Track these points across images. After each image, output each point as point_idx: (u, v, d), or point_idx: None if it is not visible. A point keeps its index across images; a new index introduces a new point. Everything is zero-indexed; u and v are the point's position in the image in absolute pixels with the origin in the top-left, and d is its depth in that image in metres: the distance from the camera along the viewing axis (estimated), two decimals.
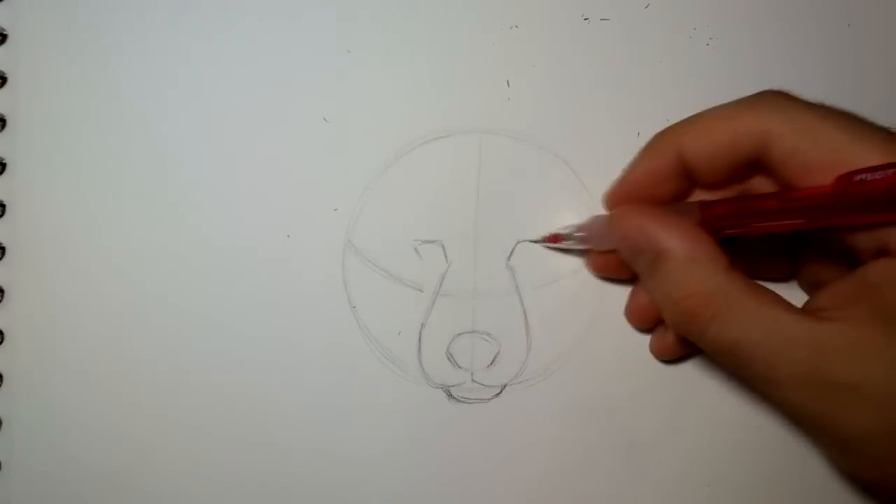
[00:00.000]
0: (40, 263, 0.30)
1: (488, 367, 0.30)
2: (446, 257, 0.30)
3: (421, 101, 0.30)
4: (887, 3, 0.31)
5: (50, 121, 0.30)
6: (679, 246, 0.24)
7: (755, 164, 0.25)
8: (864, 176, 0.21)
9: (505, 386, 0.30)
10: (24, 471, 0.30)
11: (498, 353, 0.30)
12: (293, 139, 0.30)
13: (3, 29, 0.30)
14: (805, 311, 0.23)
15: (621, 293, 0.30)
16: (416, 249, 0.30)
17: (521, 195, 0.30)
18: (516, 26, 0.30)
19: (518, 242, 0.30)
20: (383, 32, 0.30)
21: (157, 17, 0.30)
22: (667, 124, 0.27)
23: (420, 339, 0.30)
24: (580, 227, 0.29)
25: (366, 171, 0.30)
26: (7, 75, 0.30)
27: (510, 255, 0.30)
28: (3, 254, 0.30)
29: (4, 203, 0.30)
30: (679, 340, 0.29)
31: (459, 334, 0.30)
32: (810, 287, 0.29)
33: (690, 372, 0.30)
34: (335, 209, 0.30)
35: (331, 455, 0.30)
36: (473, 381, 0.30)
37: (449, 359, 0.30)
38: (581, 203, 0.30)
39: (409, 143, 0.30)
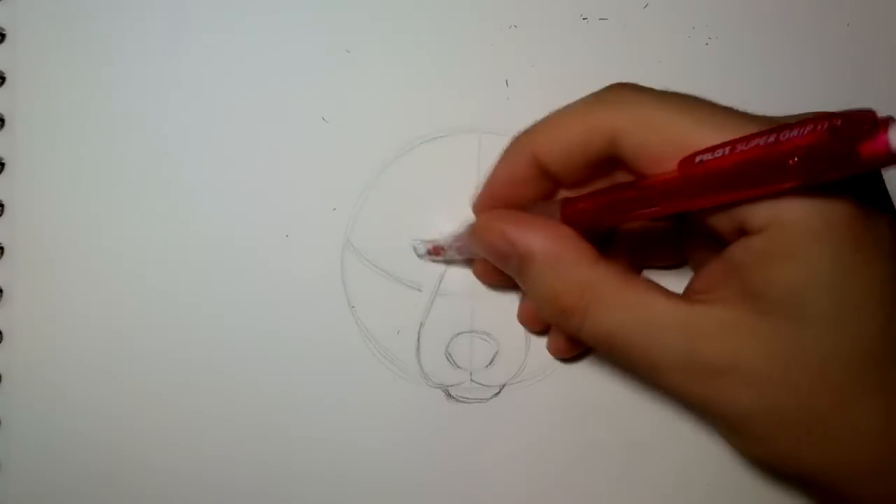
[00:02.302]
0: (39, 263, 0.30)
1: (487, 366, 0.30)
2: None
3: (420, 100, 0.30)
4: (887, 3, 0.31)
5: (49, 120, 0.30)
6: (542, 246, 0.24)
7: (612, 159, 0.24)
8: (703, 157, 0.21)
9: (504, 385, 0.30)
10: (22, 471, 0.30)
11: (497, 353, 0.30)
12: (292, 139, 0.30)
13: (3, 28, 0.30)
14: (680, 295, 0.23)
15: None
16: (414, 249, 0.30)
17: None
18: (515, 26, 0.30)
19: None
20: (382, 32, 0.30)
21: (156, 16, 0.30)
22: None
23: (419, 338, 0.30)
24: (456, 237, 0.28)
25: (365, 170, 0.30)
26: (6, 75, 0.30)
27: None
28: (2, 254, 0.30)
29: (3, 203, 0.30)
30: (569, 339, 0.29)
31: (458, 334, 0.30)
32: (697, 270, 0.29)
33: None
34: (334, 209, 0.30)
35: (329, 454, 0.30)
36: (472, 380, 0.30)
37: (448, 358, 0.30)
38: None
39: (408, 142, 0.30)
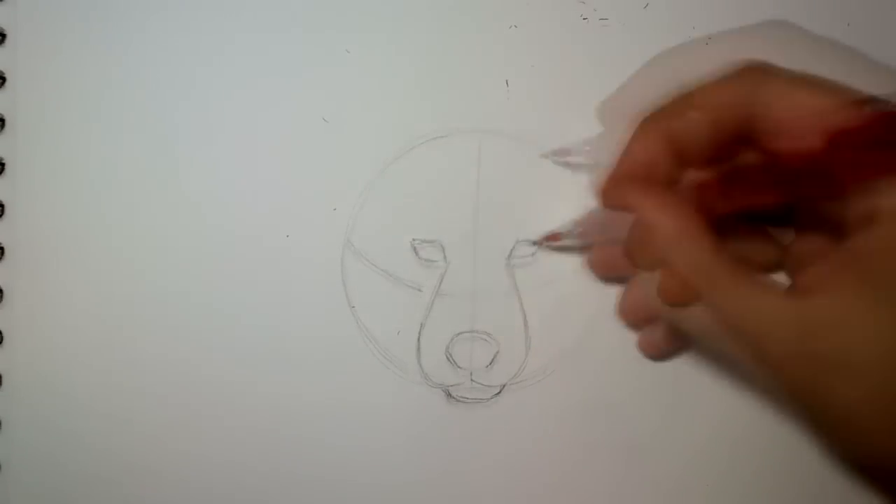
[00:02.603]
0: (40, 264, 0.30)
1: (487, 366, 0.30)
2: (445, 257, 0.30)
3: (420, 100, 0.30)
4: (887, 3, 0.31)
5: (49, 121, 0.30)
6: (668, 224, 0.24)
7: (742, 138, 0.25)
8: (849, 133, 0.21)
9: (504, 386, 0.30)
10: (23, 472, 0.30)
11: (497, 353, 0.30)
12: (292, 139, 0.30)
13: (3, 29, 0.30)
14: (791, 289, 0.24)
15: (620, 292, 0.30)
16: (415, 249, 0.30)
17: (521, 195, 0.30)
18: (515, 26, 0.30)
19: (517, 242, 0.30)
20: (382, 32, 0.30)
21: (156, 18, 0.30)
22: None
23: (419, 338, 0.30)
24: (577, 223, 0.29)
25: (365, 170, 0.30)
26: (6, 75, 0.30)
27: (509, 255, 0.30)
28: (3, 254, 0.30)
29: (4, 203, 0.30)
30: (667, 338, 0.29)
31: (459, 334, 0.30)
32: (795, 274, 0.29)
33: (690, 371, 0.30)
34: (334, 209, 0.30)
35: (330, 454, 0.30)
36: (473, 380, 0.30)
37: (448, 359, 0.30)
38: (581, 202, 0.30)
39: (408, 142, 0.30)
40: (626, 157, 0.27)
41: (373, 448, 0.30)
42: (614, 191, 0.27)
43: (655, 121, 0.26)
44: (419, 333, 0.30)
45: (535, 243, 0.30)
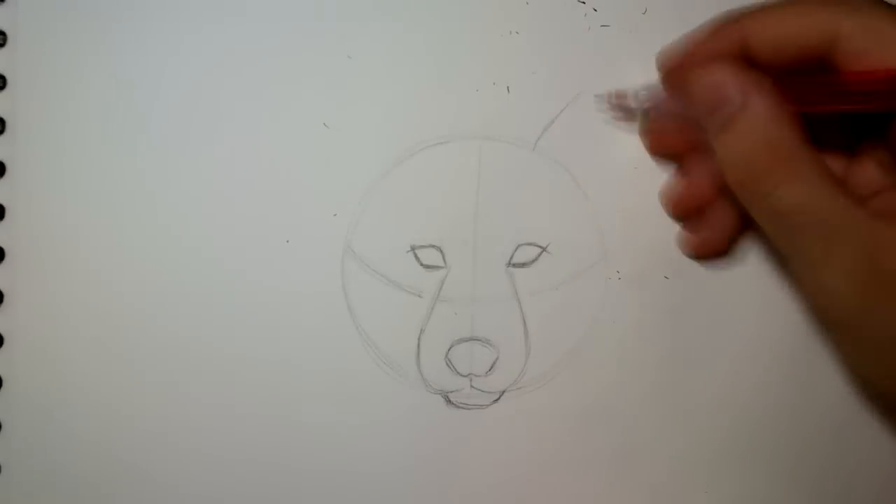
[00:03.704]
0: (40, 267, 0.30)
1: (487, 372, 0.30)
2: (445, 263, 0.30)
3: (421, 106, 0.30)
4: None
5: (50, 123, 0.30)
6: (763, 103, 0.24)
7: (816, 60, 0.25)
8: None
9: (503, 392, 0.30)
10: (23, 474, 0.30)
11: (497, 359, 0.30)
12: (293, 144, 0.30)
13: (3, 31, 0.30)
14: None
15: (620, 299, 0.30)
16: (415, 255, 0.30)
17: (521, 201, 0.30)
18: (517, 32, 0.30)
19: (518, 246, 0.30)
20: (384, 38, 0.30)
21: (157, 21, 0.30)
22: None
23: (419, 344, 0.30)
24: (646, 86, 0.28)
25: (365, 176, 0.30)
26: (7, 77, 0.30)
27: (509, 261, 0.30)
28: (3, 257, 0.30)
29: (4, 206, 0.30)
30: (722, 227, 0.29)
31: (458, 340, 0.30)
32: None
33: (689, 377, 0.31)
34: (335, 214, 0.30)
35: (329, 460, 0.30)
36: (472, 386, 0.30)
37: (448, 364, 0.30)
38: (580, 209, 0.30)
39: (408, 148, 0.30)
40: (696, 45, 0.27)
41: (372, 453, 0.30)
42: (675, 73, 0.27)
43: (736, 21, 0.26)
44: (419, 339, 0.30)
45: (597, 96, 0.29)
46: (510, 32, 0.30)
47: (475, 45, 0.30)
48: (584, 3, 0.30)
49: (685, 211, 0.30)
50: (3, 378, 0.30)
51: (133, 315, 0.30)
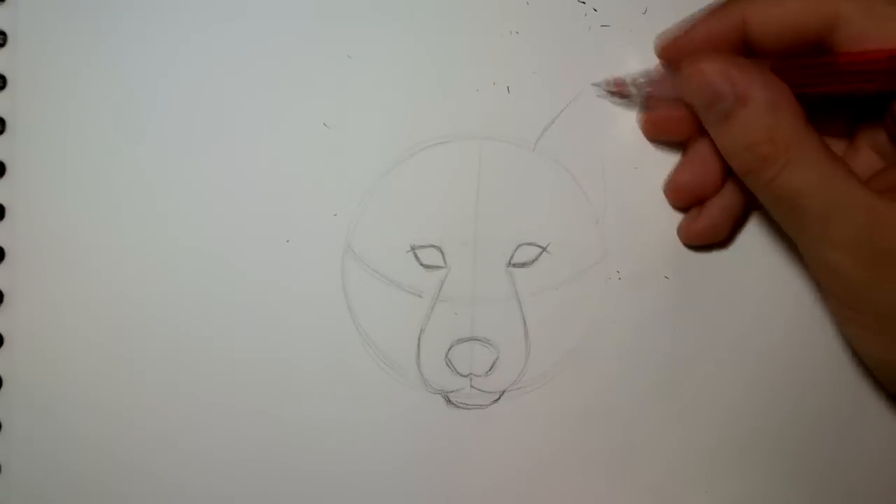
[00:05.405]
0: (40, 267, 0.30)
1: (487, 372, 0.30)
2: (445, 263, 0.30)
3: (421, 106, 0.30)
4: None
5: (50, 123, 0.30)
6: (762, 92, 0.24)
7: (815, 42, 0.25)
8: None
9: (504, 392, 0.30)
10: (23, 474, 0.30)
11: (497, 359, 0.30)
12: (293, 144, 0.30)
13: (3, 31, 0.30)
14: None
15: (620, 299, 0.30)
16: (415, 255, 0.30)
17: (521, 201, 0.30)
18: (517, 32, 0.30)
19: (518, 246, 0.30)
20: (384, 38, 0.30)
21: (157, 21, 0.30)
22: None
23: (419, 344, 0.30)
24: (645, 74, 0.29)
25: (365, 176, 0.30)
26: (7, 77, 0.30)
27: (510, 261, 0.30)
28: (3, 257, 0.30)
29: (4, 206, 0.30)
30: (713, 223, 0.29)
31: (458, 340, 0.30)
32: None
33: (689, 378, 0.31)
34: (335, 214, 0.30)
35: (329, 460, 0.30)
36: (472, 386, 0.30)
37: (448, 364, 0.30)
38: (581, 209, 0.30)
39: (409, 148, 0.30)
40: (695, 28, 0.27)
41: (372, 453, 0.30)
42: (675, 57, 0.27)
43: (736, 2, 0.26)
44: (419, 339, 0.30)
45: (596, 85, 0.30)
46: (510, 32, 0.30)
47: (475, 45, 0.30)
48: (584, 3, 0.30)
49: (688, 199, 0.30)
50: (3, 378, 0.30)
51: (133, 315, 0.30)
